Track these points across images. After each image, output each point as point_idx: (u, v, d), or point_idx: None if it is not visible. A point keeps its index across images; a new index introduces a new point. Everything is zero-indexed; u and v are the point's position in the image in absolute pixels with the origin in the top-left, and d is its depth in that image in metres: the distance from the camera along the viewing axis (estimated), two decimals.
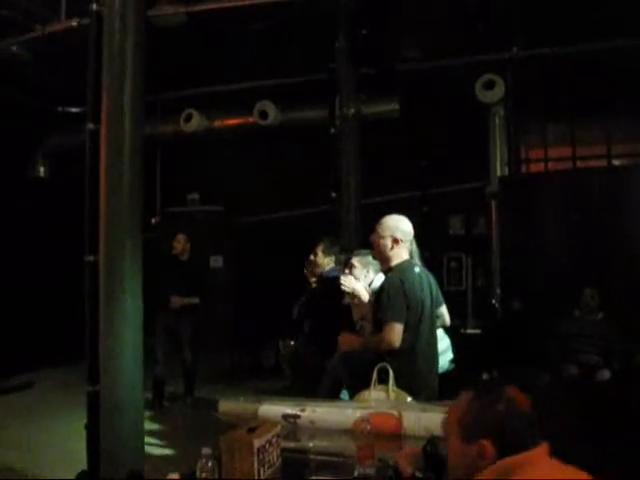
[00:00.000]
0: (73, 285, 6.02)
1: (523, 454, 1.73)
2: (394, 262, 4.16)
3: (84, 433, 4.89)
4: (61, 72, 9.06)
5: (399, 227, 4.16)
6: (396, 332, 3.96)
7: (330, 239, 6.40)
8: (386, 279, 4.23)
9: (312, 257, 6.14)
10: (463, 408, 1.87)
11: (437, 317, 4.41)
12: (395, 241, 4.12)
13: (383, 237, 4.16)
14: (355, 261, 5.09)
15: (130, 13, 4.85)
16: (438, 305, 4.43)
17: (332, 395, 4.39)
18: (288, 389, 6.38)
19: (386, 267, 4.27)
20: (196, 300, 7.98)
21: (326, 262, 6.06)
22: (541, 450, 1.77)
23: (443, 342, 4.84)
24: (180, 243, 8.17)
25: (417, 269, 4.18)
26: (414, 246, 4.45)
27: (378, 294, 4.27)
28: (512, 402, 1.81)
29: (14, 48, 8.58)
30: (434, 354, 4.23)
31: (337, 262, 6.02)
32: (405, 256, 4.17)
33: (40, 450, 6.15)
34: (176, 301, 7.85)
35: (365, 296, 4.70)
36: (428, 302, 4.14)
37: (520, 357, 6.09)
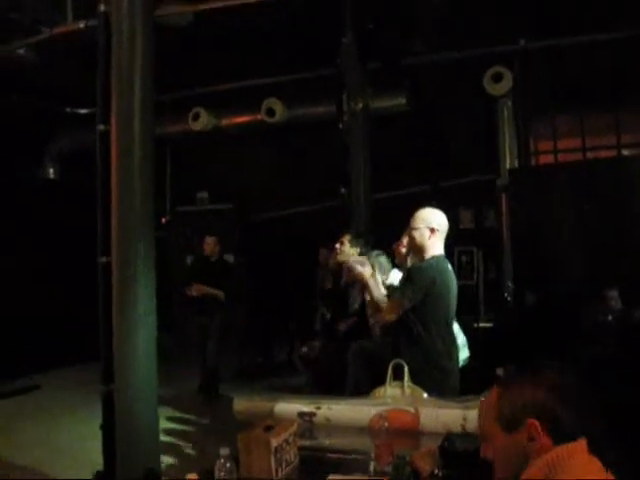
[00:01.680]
0: (84, 286, 6.04)
1: (569, 445, 1.65)
2: (430, 253, 4.09)
3: (99, 433, 4.92)
4: (69, 73, 9.07)
5: (434, 217, 4.12)
6: (398, 310, 3.97)
7: (354, 233, 6.39)
8: (420, 265, 4.15)
9: (339, 246, 6.08)
10: (496, 401, 1.78)
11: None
12: (432, 231, 4.06)
13: (418, 228, 4.10)
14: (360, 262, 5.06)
15: (138, 13, 4.86)
16: None
17: (356, 393, 4.37)
18: (303, 387, 6.37)
19: (422, 259, 4.16)
20: (221, 294, 8.16)
21: (352, 252, 6.01)
22: (583, 444, 1.66)
23: (459, 339, 4.82)
24: (209, 245, 8.40)
25: (449, 266, 4.16)
26: None
27: (407, 273, 4.25)
28: (553, 381, 1.73)
29: (22, 50, 8.59)
30: (455, 352, 4.22)
31: (361, 254, 6.00)
32: (441, 250, 4.12)
33: (50, 451, 6.17)
34: (199, 289, 8.10)
35: (372, 285, 4.56)
36: (452, 300, 4.13)
37: (535, 350, 6.06)
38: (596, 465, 1.65)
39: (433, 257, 4.10)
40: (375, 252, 5.23)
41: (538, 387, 1.71)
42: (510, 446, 1.73)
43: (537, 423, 1.66)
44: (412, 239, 4.19)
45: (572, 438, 1.66)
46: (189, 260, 11.32)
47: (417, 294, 3.96)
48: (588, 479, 1.61)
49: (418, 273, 4.05)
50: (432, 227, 4.08)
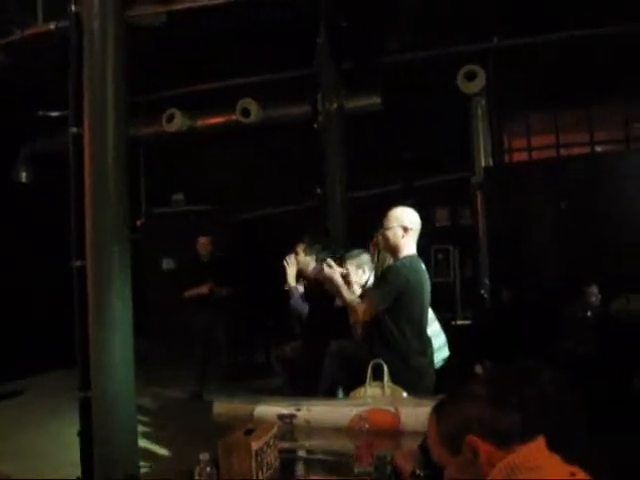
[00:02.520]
0: (60, 291, 5.97)
1: (521, 448, 1.66)
2: (404, 253, 4.13)
3: (77, 439, 4.87)
4: (41, 75, 8.98)
5: (407, 216, 4.16)
6: (371, 310, 4.01)
7: (312, 237, 6.38)
8: (394, 265, 4.19)
9: (293, 256, 6.11)
10: (435, 428, 1.81)
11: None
12: (405, 230, 4.10)
13: (391, 228, 4.14)
14: (349, 264, 5.07)
15: (109, 14, 4.83)
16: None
17: (331, 393, 4.38)
18: (280, 388, 6.35)
19: (396, 258, 4.21)
20: (223, 291, 8.29)
21: (307, 261, 6.05)
22: (539, 443, 1.70)
23: (439, 338, 4.84)
24: (204, 245, 8.49)
25: (422, 265, 4.18)
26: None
27: (381, 273, 4.28)
28: (470, 394, 1.77)
29: None
30: (430, 351, 4.23)
31: (318, 260, 6.01)
32: (414, 249, 4.16)
33: (34, 457, 6.10)
34: (203, 289, 8.20)
35: (341, 284, 4.55)
36: (426, 300, 4.15)
37: (512, 347, 6.09)
38: (555, 461, 1.68)
39: (407, 257, 4.13)
40: (357, 250, 5.23)
41: (467, 404, 1.75)
42: (461, 467, 1.75)
43: (474, 437, 1.68)
44: (386, 239, 4.23)
45: (522, 440, 1.68)
46: (168, 262, 11.33)
47: (390, 294, 4.00)
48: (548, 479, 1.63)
49: (392, 273, 4.08)
50: (405, 226, 4.12)
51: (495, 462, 1.67)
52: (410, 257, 4.12)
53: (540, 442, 1.70)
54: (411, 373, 3.94)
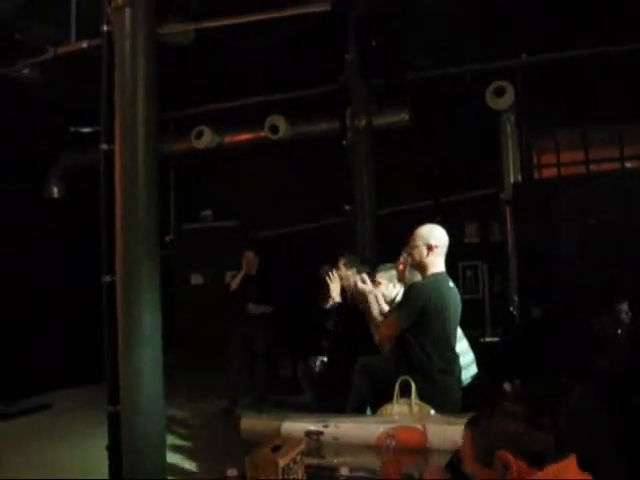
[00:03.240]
0: (90, 305, 6.03)
1: (552, 466, 1.70)
2: (431, 271, 4.16)
3: (106, 453, 4.90)
4: (73, 93, 9.11)
5: (433, 234, 4.18)
6: (395, 328, 4.06)
7: (351, 251, 6.41)
8: (417, 283, 4.24)
9: (335, 272, 6.11)
10: (470, 443, 1.87)
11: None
12: (429, 248, 4.13)
13: (417, 246, 4.17)
14: (379, 277, 5.08)
15: (140, 33, 4.89)
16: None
17: (359, 410, 4.38)
18: (309, 404, 6.34)
19: (424, 276, 4.24)
20: (269, 309, 8.47)
21: (348, 275, 6.03)
22: (570, 462, 1.74)
23: (467, 356, 4.82)
24: (250, 260, 8.56)
25: (451, 284, 4.18)
26: None
27: (405, 292, 4.30)
28: (507, 411, 1.82)
29: (26, 70, 8.64)
30: (457, 369, 4.20)
31: (358, 274, 6.01)
32: (441, 267, 4.18)
33: (62, 470, 6.13)
34: (253, 307, 8.37)
35: (372, 301, 4.60)
36: (451, 318, 4.13)
37: (541, 365, 6.03)
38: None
39: (433, 274, 4.15)
40: (389, 264, 5.23)
41: (501, 420, 1.80)
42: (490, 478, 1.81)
43: (506, 452, 1.74)
44: (412, 257, 4.27)
45: (554, 459, 1.72)
46: (197, 278, 11.42)
47: (412, 312, 4.03)
48: None
49: (414, 292, 4.12)
50: (430, 244, 4.13)
51: (525, 476, 1.71)
52: (436, 275, 4.14)
53: (571, 461, 1.74)
54: (436, 391, 3.92)
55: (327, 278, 5.91)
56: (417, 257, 4.19)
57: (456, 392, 4.13)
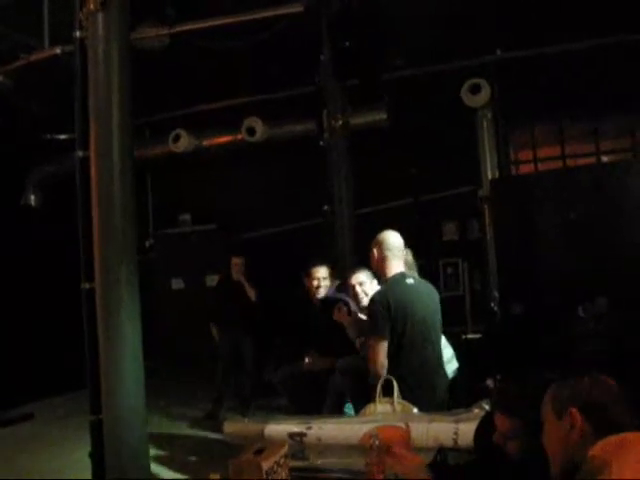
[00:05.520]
0: (70, 313, 5.99)
1: (624, 434, 1.76)
2: (387, 275, 4.31)
3: (89, 461, 4.87)
4: (48, 99, 9.04)
5: (386, 241, 4.32)
6: (380, 350, 4.07)
7: (315, 258, 6.43)
8: (373, 294, 4.42)
9: (308, 282, 6.16)
10: (554, 387, 1.98)
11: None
12: (383, 254, 4.29)
13: (374, 253, 4.37)
14: (360, 276, 5.12)
15: (114, 38, 4.85)
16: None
17: (337, 411, 4.39)
18: (287, 408, 6.33)
19: (383, 280, 4.42)
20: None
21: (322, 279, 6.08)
22: (636, 437, 1.78)
23: (446, 351, 4.85)
24: (238, 265, 8.42)
25: (410, 281, 4.22)
26: (409, 257, 4.54)
27: (368, 308, 4.38)
28: (598, 379, 1.92)
29: (0, 78, 8.56)
30: (440, 366, 4.21)
31: (330, 276, 6.06)
32: (397, 269, 4.30)
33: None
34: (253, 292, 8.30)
35: (349, 327, 4.87)
36: (420, 314, 4.15)
37: (524, 360, 6.06)
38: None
39: (389, 278, 4.31)
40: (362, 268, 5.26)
41: (588, 382, 1.92)
42: (555, 430, 1.93)
43: (577, 412, 1.85)
44: (372, 262, 4.49)
45: (621, 431, 1.78)
46: (177, 283, 11.40)
47: (385, 322, 4.10)
48: None
49: (373, 306, 4.26)
50: (382, 250, 4.31)
51: (587, 443, 1.80)
52: (392, 277, 4.29)
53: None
54: (417, 390, 3.94)
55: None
56: (374, 263, 4.41)
57: (438, 390, 4.12)
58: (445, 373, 4.36)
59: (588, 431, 1.81)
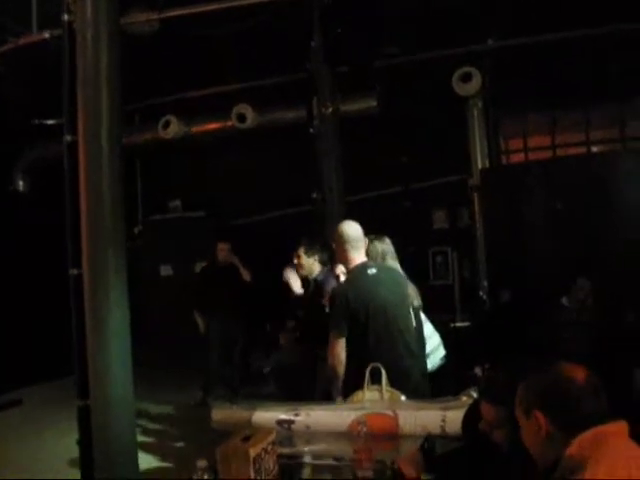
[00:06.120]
0: (57, 299, 5.96)
1: (597, 429, 1.75)
2: (350, 266, 4.31)
3: (77, 448, 4.86)
4: (36, 84, 8.97)
5: (344, 233, 4.32)
6: (337, 347, 4.07)
7: (310, 239, 6.38)
8: (333, 289, 4.51)
9: (295, 260, 6.11)
10: (522, 387, 1.95)
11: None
12: (343, 247, 4.29)
13: (334, 247, 4.42)
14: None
15: (102, 22, 4.81)
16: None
17: (327, 399, 4.38)
18: (276, 395, 6.33)
19: (347, 272, 4.43)
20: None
21: (310, 262, 6.03)
22: (619, 427, 1.79)
23: (433, 339, 4.85)
24: (224, 251, 8.45)
25: (372, 270, 4.22)
26: (385, 246, 4.57)
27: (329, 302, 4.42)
28: (562, 374, 1.87)
29: None
30: (401, 353, 4.17)
31: (320, 261, 6.01)
32: (358, 260, 4.30)
33: (34, 466, 6.09)
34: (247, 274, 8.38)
35: None
36: (381, 303, 4.14)
37: (512, 348, 6.08)
38: (635, 451, 1.75)
39: (351, 269, 4.30)
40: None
41: (551, 379, 1.89)
42: (527, 430, 1.92)
43: (540, 414, 1.83)
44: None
45: (592, 425, 1.76)
46: (166, 269, 11.38)
47: (342, 322, 4.11)
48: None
49: (334, 300, 4.27)
50: (342, 242, 4.29)
51: (558, 442, 1.79)
52: (353, 268, 4.28)
53: (621, 426, 1.80)
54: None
55: (285, 277, 5.96)
56: (337, 255, 4.45)
57: (410, 377, 4.10)
58: (420, 359, 4.34)
59: (554, 432, 1.81)
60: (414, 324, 4.38)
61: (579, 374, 1.85)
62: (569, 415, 1.79)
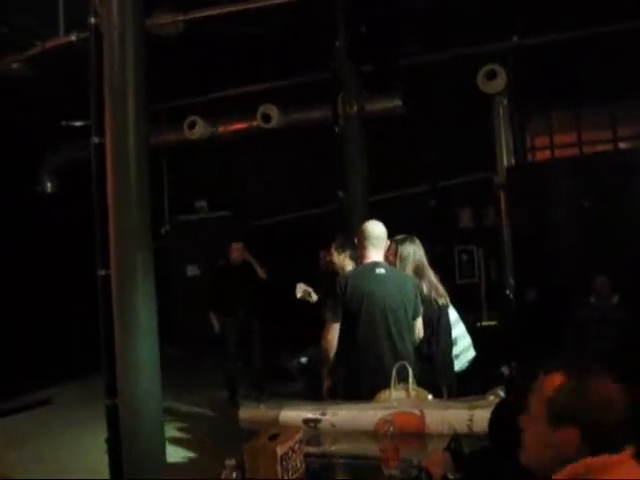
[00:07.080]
0: (86, 300, 6.03)
1: (607, 457, 1.65)
2: (363, 262, 4.45)
3: (105, 446, 4.91)
4: (64, 87, 9.05)
5: (367, 229, 4.42)
6: (331, 331, 4.19)
7: (342, 236, 6.40)
8: (336, 278, 4.52)
9: (328, 257, 6.14)
10: (555, 389, 1.73)
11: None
12: (363, 243, 4.39)
13: (357, 241, 4.51)
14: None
15: (129, 24, 4.86)
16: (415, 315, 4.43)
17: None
18: (302, 394, 6.35)
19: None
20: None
21: (342, 258, 6.03)
22: (626, 454, 1.67)
23: (465, 340, 4.86)
24: (238, 251, 8.57)
25: (381, 270, 4.25)
26: (416, 247, 4.61)
27: None
28: (610, 395, 1.69)
29: (15, 65, 8.57)
30: (379, 355, 4.17)
31: (352, 257, 6.01)
32: (372, 258, 4.37)
33: (65, 464, 6.16)
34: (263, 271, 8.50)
35: None
36: (380, 301, 4.18)
37: (539, 348, 6.04)
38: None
39: (363, 264, 4.41)
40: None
41: (594, 399, 1.68)
42: (545, 439, 1.73)
43: (577, 436, 1.66)
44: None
45: (617, 449, 1.65)
46: (193, 269, 11.44)
47: (338, 309, 4.21)
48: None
49: (334, 288, 4.33)
50: (360, 240, 4.42)
51: (575, 458, 1.66)
52: (363, 265, 4.42)
53: (628, 453, 1.67)
54: (362, 376, 4.09)
55: (301, 296, 6.05)
56: (357, 251, 4.59)
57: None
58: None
59: (583, 450, 1.66)
60: (415, 330, 4.40)
61: (617, 391, 1.69)
62: (605, 439, 1.66)
